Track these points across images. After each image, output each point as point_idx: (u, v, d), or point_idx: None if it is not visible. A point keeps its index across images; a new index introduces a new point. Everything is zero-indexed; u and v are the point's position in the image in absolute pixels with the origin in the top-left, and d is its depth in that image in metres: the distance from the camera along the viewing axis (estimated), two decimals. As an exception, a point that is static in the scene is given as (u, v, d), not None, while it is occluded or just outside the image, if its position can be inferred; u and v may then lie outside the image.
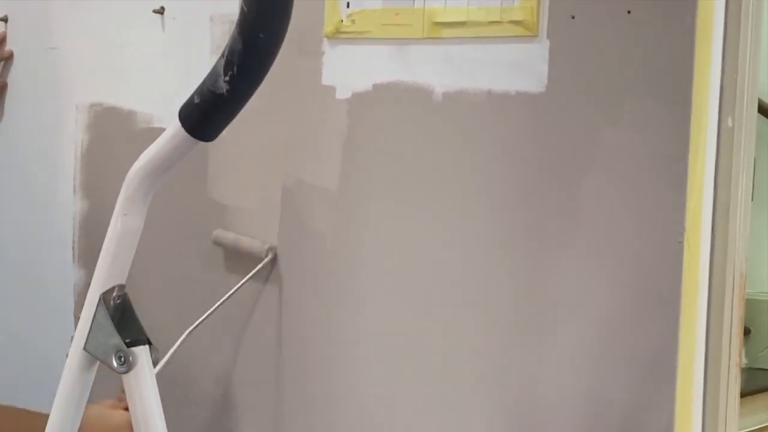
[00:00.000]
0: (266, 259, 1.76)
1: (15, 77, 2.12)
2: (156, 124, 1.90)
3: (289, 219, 1.76)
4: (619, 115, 1.47)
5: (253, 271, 1.75)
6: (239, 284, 1.75)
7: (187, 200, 1.87)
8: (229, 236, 1.81)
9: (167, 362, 1.66)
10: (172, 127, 1.03)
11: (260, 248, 1.77)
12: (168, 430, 1.10)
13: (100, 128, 2.00)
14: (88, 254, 2.03)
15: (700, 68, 1.42)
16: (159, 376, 1.11)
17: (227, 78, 0.98)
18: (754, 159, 1.54)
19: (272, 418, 1.79)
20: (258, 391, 1.80)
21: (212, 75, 0.99)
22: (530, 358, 1.55)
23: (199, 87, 1.01)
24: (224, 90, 0.99)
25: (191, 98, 1.02)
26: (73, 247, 2.05)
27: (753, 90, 1.49)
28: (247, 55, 0.97)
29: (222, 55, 0.98)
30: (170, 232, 1.88)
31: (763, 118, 2.70)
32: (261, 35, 0.97)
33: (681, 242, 1.43)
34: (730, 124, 1.45)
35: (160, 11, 1.89)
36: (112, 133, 1.98)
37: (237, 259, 1.81)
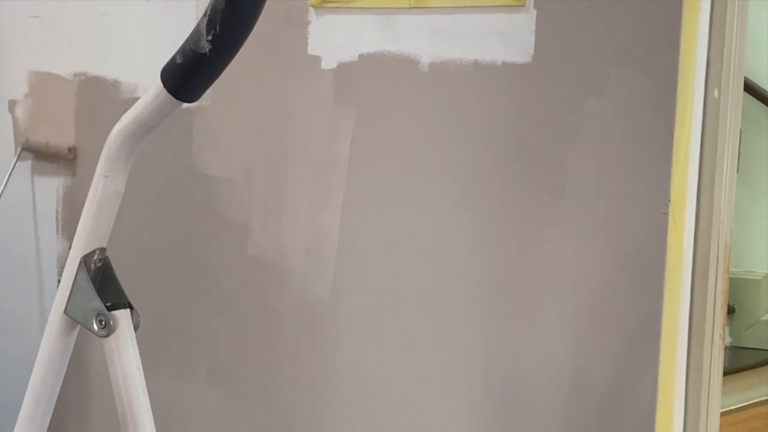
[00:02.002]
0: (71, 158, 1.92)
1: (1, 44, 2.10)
2: (140, 94, 1.88)
3: (273, 190, 1.75)
4: (606, 85, 1.46)
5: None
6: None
7: (171, 170, 1.85)
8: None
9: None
10: (154, 87, 1.02)
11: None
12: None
13: (83, 98, 1.98)
14: (71, 226, 2.02)
15: (686, 39, 1.42)
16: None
17: (209, 37, 0.97)
18: (741, 132, 1.54)
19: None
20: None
21: (194, 34, 0.98)
22: (515, 332, 1.55)
23: (181, 46, 1.00)
24: (207, 50, 0.97)
25: (173, 58, 1.00)
26: (57, 219, 2.04)
27: (740, 62, 1.48)
28: (230, 14, 0.96)
29: (204, 14, 0.97)
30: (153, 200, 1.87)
31: (750, 97, 2.71)
32: (244, -7, 0.96)
33: (666, 213, 1.43)
34: (716, 95, 1.45)
35: (145, -20, 1.87)
36: (96, 103, 1.96)
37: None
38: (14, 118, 2.09)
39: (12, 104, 2.09)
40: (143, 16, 1.90)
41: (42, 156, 2.03)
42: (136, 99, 1.82)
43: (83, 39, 1.97)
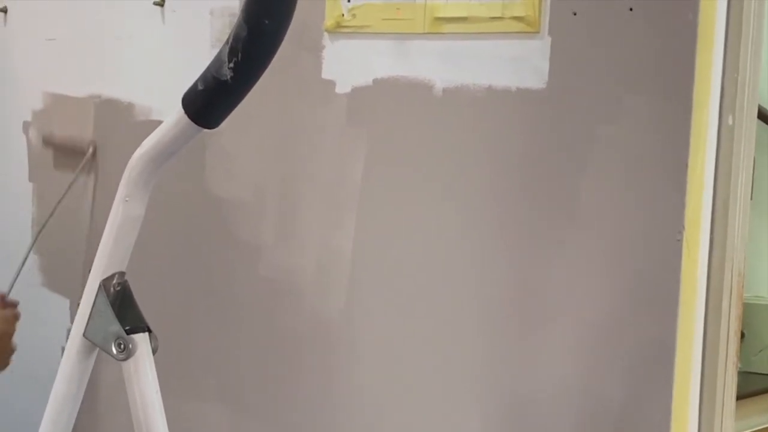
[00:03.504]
0: (89, 153, 1.93)
1: (15, 69, 2.12)
2: (155, 117, 1.89)
3: (285, 211, 1.76)
4: (620, 112, 1.47)
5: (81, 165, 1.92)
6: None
7: (183, 190, 1.86)
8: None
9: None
10: (176, 113, 1.03)
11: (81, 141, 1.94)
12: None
13: (98, 120, 1.99)
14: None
15: (701, 66, 1.42)
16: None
17: (231, 65, 0.98)
18: (754, 159, 1.54)
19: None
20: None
21: (216, 61, 0.99)
22: (528, 356, 1.55)
23: (203, 73, 1.01)
24: (228, 77, 0.98)
25: (195, 85, 1.02)
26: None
27: (754, 89, 1.49)
28: (252, 42, 0.97)
29: (227, 42, 0.98)
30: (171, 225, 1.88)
31: (762, 123, 2.71)
32: (266, 22, 0.97)
33: (680, 240, 1.43)
34: (730, 122, 1.45)
35: (161, 3, 1.89)
36: (110, 125, 1.97)
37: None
38: (28, 140, 2.11)
39: (26, 126, 2.11)
40: (158, 39, 1.91)
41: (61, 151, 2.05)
42: (151, 121, 1.87)
43: (98, 61, 1.99)
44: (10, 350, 1.78)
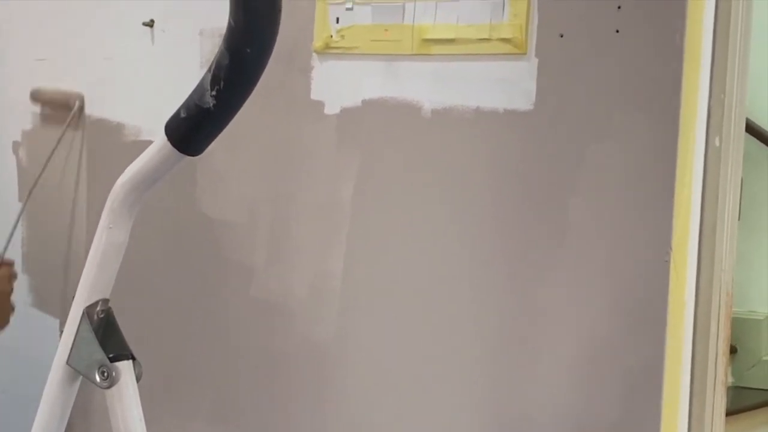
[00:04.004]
0: (75, 108, 1.96)
1: (5, 89, 2.12)
2: (145, 137, 1.89)
3: (276, 232, 1.76)
4: (607, 134, 1.47)
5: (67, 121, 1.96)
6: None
7: (174, 210, 1.86)
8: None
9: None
10: (159, 140, 1.03)
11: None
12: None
13: (88, 140, 1.99)
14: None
15: (688, 88, 1.42)
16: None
17: (214, 92, 0.98)
18: (741, 179, 1.54)
19: None
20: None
21: (199, 89, 0.99)
22: (519, 376, 1.55)
23: (185, 101, 1.01)
24: (211, 104, 0.98)
25: (177, 112, 1.02)
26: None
27: (741, 110, 1.49)
28: (234, 70, 0.97)
29: (209, 70, 0.98)
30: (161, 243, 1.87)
31: (750, 137, 2.71)
32: (248, 50, 0.97)
33: (668, 261, 1.43)
34: (717, 143, 1.45)
35: (150, 24, 1.89)
36: (100, 146, 1.97)
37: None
38: (18, 160, 2.11)
39: (16, 146, 2.11)
40: (147, 59, 1.91)
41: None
42: (141, 141, 1.87)
43: (87, 82, 1.99)
44: (9, 309, 1.80)
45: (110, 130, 1.95)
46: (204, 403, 1.83)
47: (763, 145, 2.83)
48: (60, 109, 2.00)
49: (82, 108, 1.97)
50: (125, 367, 1.07)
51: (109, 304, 1.09)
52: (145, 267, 1.84)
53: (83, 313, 1.07)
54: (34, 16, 2.07)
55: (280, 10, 0.96)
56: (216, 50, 1.77)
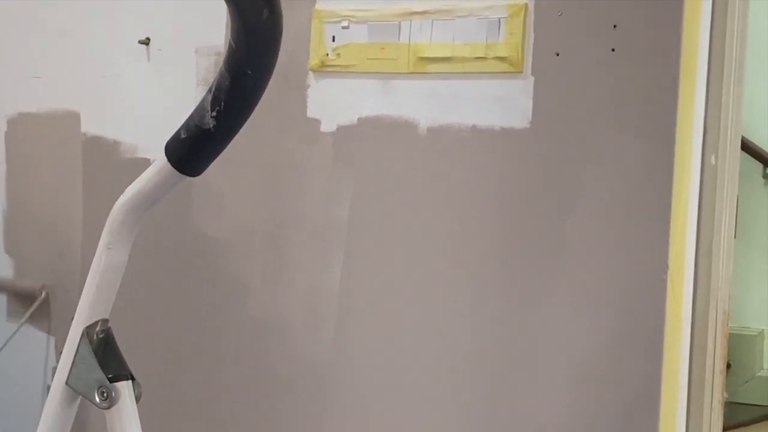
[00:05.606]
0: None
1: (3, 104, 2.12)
2: (141, 155, 1.89)
3: (272, 250, 1.76)
4: (603, 152, 1.48)
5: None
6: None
7: (171, 229, 1.86)
8: None
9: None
10: (158, 161, 1.03)
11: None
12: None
13: (84, 158, 1.99)
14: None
15: (684, 106, 1.43)
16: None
17: (214, 113, 0.97)
18: (737, 197, 1.55)
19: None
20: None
21: (199, 110, 0.99)
22: (517, 393, 1.55)
23: (185, 122, 1.01)
24: (211, 125, 0.98)
25: (177, 133, 1.01)
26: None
27: (736, 128, 1.50)
28: (235, 92, 0.97)
29: (209, 91, 0.98)
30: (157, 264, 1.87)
31: (745, 155, 2.73)
32: (249, 72, 0.96)
33: (665, 279, 1.43)
34: (713, 162, 1.46)
35: (146, 42, 1.89)
36: (96, 163, 1.97)
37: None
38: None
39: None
40: (143, 77, 1.91)
41: None
42: (137, 159, 1.86)
43: (84, 100, 1.99)
44: None
45: (106, 148, 1.95)
46: (200, 422, 1.83)
47: (757, 162, 2.84)
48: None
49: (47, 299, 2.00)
50: (124, 387, 1.06)
51: (109, 324, 1.08)
52: (141, 286, 1.84)
53: (83, 333, 1.07)
54: (29, 34, 2.07)
55: (281, 33, 0.96)
56: (211, 68, 1.79)
